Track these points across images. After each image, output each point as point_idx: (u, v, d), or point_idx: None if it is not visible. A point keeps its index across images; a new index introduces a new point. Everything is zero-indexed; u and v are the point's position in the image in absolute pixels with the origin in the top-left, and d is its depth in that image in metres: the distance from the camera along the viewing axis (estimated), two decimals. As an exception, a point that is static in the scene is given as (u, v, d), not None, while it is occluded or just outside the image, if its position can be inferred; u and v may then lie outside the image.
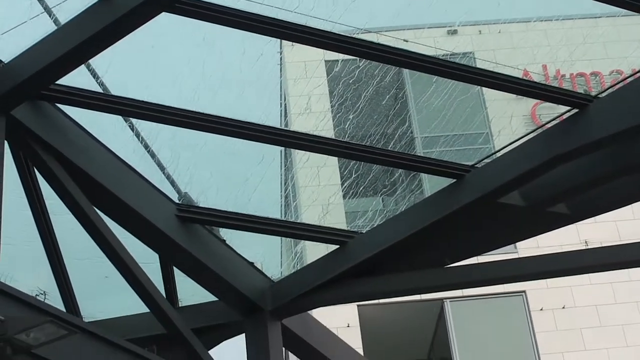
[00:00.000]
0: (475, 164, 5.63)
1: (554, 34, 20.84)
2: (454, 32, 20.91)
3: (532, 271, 5.90)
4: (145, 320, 6.34)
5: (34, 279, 6.22)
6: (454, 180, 5.64)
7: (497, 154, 5.57)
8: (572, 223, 5.77)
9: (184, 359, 6.07)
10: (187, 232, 5.79)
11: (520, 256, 5.99)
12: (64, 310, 5.92)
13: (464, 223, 5.73)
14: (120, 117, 5.85)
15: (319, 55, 17.73)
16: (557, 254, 5.82)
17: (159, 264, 6.33)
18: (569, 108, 5.21)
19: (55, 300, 6.02)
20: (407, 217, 5.88)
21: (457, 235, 5.90)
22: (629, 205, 5.74)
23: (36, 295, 5.67)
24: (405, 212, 5.97)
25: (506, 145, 5.52)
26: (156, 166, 6.11)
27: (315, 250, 6.41)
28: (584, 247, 15.79)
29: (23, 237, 6.06)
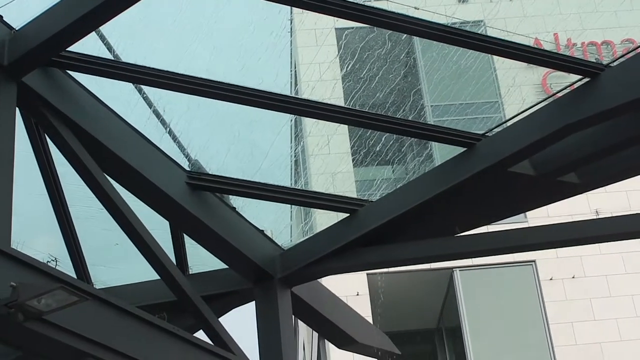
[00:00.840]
0: (486, 132, 5.62)
1: (565, 2, 20.73)
2: (465, 0, 20.81)
3: (542, 240, 5.90)
4: (155, 288, 6.37)
5: (46, 246, 6.25)
6: (465, 149, 5.64)
7: (507, 122, 5.56)
8: (582, 192, 5.77)
9: (194, 326, 6.10)
10: (198, 200, 5.80)
11: (530, 225, 5.99)
12: (75, 277, 5.95)
13: (474, 192, 5.73)
14: (131, 85, 5.85)
15: (329, 23, 17.68)
16: (567, 223, 5.82)
17: (169, 231, 6.35)
18: (580, 77, 5.19)
19: (66, 267, 6.05)
20: (418, 186, 5.88)
21: (467, 204, 5.90)
22: (640, 175, 5.74)
23: (47, 261, 5.70)
24: (416, 180, 5.97)
25: (517, 114, 5.51)
26: (167, 133, 6.12)
27: (325, 219, 6.43)
28: (594, 217, 15.78)
29: (34, 204, 6.09)
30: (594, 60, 5.22)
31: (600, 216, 15.43)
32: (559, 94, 5.35)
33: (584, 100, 5.13)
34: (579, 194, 5.78)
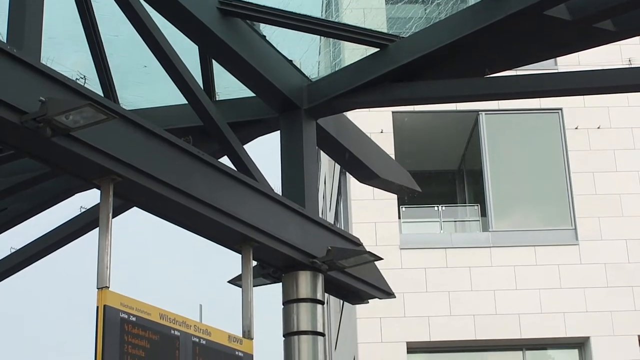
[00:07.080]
0: (524, -27, 5.51)
1: None
2: None
3: (571, 86, 5.87)
4: (182, 112, 6.40)
5: (75, 64, 6.25)
6: (501, -11, 5.54)
7: (546, -37, 5.44)
8: (617, 40, 5.70)
9: (219, 152, 6.15)
10: (228, 26, 5.75)
11: (560, 71, 5.95)
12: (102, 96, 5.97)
13: (507, 34, 5.66)
14: None
15: None
16: (597, 70, 5.78)
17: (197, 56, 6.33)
18: None
19: (94, 86, 6.08)
20: (450, 24, 5.81)
21: (499, 46, 5.85)
22: (676, 26, 5.64)
23: (76, 79, 5.71)
24: (448, 19, 5.90)
25: (556, -45, 5.38)
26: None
27: (354, 54, 6.37)
28: (626, 66, 15.62)
29: (66, 22, 6.06)
30: None
31: (633, 65, 15.26)
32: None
33: (627, -56, 5.01)
34: (614, 41, 5.71)
